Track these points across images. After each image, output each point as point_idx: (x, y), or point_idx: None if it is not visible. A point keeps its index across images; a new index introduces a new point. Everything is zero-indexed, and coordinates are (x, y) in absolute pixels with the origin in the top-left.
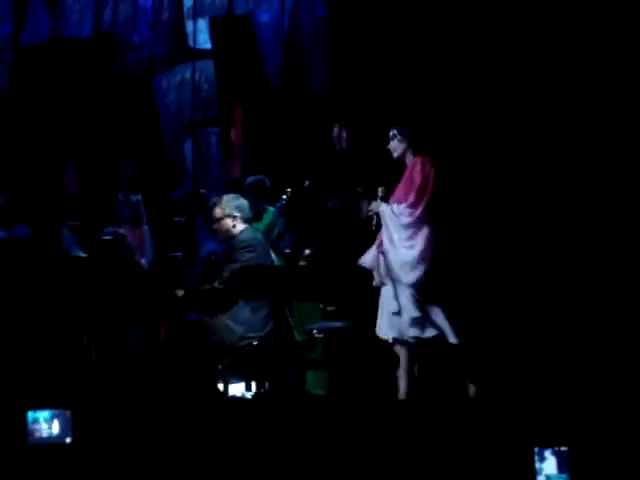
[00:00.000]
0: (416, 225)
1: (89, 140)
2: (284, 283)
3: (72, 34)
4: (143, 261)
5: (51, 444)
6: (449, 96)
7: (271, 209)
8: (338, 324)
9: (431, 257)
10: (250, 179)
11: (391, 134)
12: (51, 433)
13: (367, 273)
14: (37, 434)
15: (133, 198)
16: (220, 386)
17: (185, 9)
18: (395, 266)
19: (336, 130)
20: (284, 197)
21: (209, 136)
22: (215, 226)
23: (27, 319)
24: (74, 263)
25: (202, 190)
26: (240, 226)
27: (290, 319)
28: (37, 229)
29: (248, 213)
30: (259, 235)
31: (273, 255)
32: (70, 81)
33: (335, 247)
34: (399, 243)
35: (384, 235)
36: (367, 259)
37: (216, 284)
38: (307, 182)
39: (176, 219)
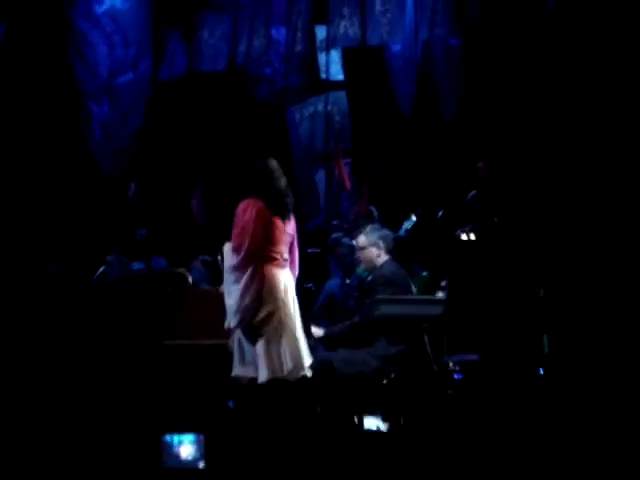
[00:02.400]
0: (239, 270)
1: (222, 172)
2: (422, 316)
3: (208, 68)
4: None
5: (185, 468)
6: (589, 123)
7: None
8: (473, 357)
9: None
10: (355, 210)
11: None
12: (185, 457)
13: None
14: (172, 457)
15: None
16: (355, 419)
17: (318, 41)
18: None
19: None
20: (413, 218)
21: (341, 168)
22: (358, 254)
23: (162, 347)
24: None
25: (334, 221)
26: (384, 257)
27: (429, 351)
28: (173, 261)
29: (391, 243)
30: (402, 270)
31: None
32: (205, 113)
33: (472, 277)
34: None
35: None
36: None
37: (356, 320)
38: (441, 212)
39: (310, 250)
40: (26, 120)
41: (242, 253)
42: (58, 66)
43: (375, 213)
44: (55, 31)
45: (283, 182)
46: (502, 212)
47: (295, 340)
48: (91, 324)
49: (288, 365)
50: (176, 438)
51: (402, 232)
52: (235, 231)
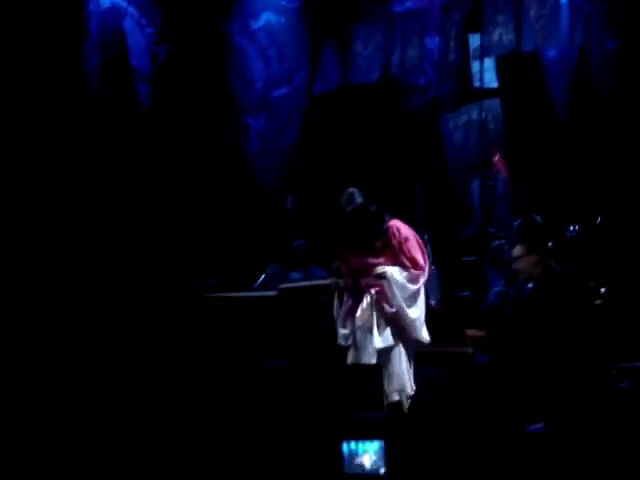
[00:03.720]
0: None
1: (378, 181)
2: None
3: (361, 80)
4: (432, 301)
5: (366, 475)
6: None
7: None
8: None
9: None
10: (520, 221)
11: None
12: (366, 463)
13: None
14: (353, 464)
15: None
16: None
17: (471, 49)
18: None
19: None
20: (572, 229)
21: (497, 175)
22: (515, 265)
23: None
24: None
25: (490, 229)
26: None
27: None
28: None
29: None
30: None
31: None
32: (359, 125)
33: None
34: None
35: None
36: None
37: None
38: (599, 219)
39: (465, 258)
40: (187, 134)
41: (425, 270)
42: (216, 82)
43: (538, 222)
44: (214, 47)
45: None
46: None
47: None
48: (257, 333)
49: None
50: (358, 445)
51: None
52: (417, 251)
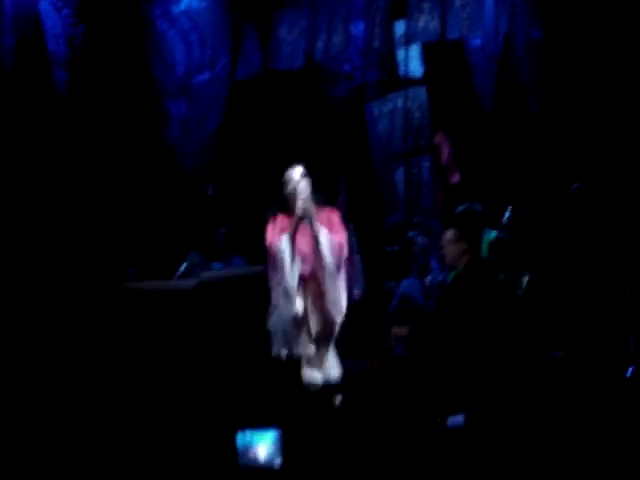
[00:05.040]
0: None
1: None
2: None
3: (284, 66)
4: (356, 291)
5: (261, 467)
6: None
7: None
8: None
9: None
10: (460, 208)
11: None
12: (261, 454)
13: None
14: (247, 455)
15: None
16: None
17: (396, 36)
18: None
19: None
20: (507, 215)
21: (421, 164)
22: (443, 250)
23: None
24: None
25: (415, 218)
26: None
27: None
28: (252, 260)
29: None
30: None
31: None
32: (283, 111)
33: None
34: None
35: None
36: None
37: None
38: (523, 210)
39: (389, 248)
40: (106, 119)
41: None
42: (137, 66)
43: (478, 209)
44: (133, 31)
45: None
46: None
47: None
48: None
49: None
50: (253, 436)
51: (504, 220)
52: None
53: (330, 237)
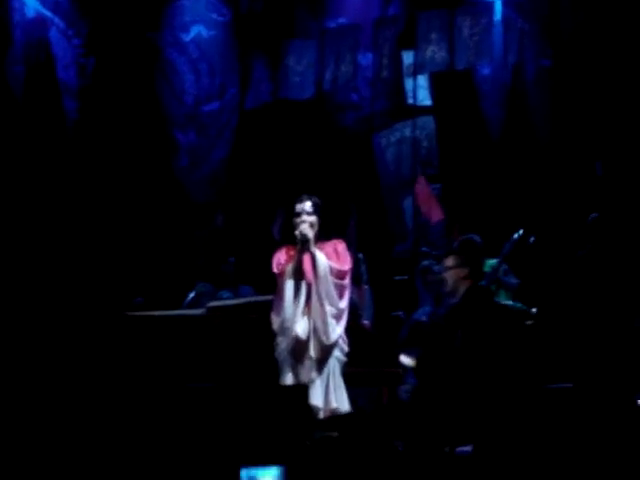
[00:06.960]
0: None
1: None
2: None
3: (294, 96)
4: (365, 321)
5: None
6: None
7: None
8: None
9: None
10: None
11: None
12: None
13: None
14: None
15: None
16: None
17: (404, 66)
18: None
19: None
20: (515, 236)
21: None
22: (444, 275)
23: (245, 377)
24: None
25: (423, 248)
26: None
27: None
28: (260, 289)
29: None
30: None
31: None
32: (291, 141)
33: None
34: None
35: None
36: None
37: None
38: (533, 238)
39: (397, 277)
40: (115, 149)
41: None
42: (146, 95)
43: (478, 242)
44: (143, 60)
45: None
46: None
47: None
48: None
49: None
50: (255, 471)
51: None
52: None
53: (329, 263)
